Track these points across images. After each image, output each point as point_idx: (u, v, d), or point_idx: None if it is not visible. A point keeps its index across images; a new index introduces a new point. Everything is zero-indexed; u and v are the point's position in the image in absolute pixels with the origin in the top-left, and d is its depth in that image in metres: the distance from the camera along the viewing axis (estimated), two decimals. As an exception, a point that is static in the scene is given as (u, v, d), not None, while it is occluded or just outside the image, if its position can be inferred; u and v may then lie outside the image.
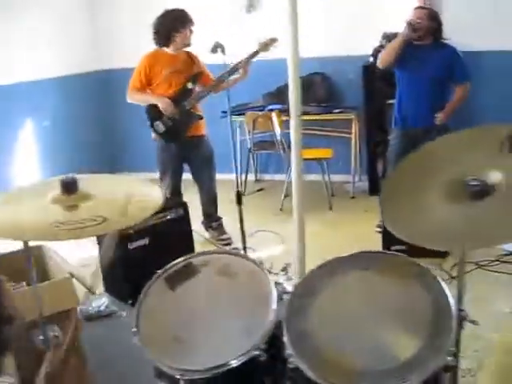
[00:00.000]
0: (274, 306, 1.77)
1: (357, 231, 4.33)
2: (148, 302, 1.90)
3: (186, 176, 4.37)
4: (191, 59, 4.13)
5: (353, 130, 5.36)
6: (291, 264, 2.36)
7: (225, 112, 4.69)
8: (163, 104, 4.00)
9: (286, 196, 4.85)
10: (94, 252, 3.59)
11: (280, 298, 1.84)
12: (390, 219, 1.72)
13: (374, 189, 5.20)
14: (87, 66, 5.94)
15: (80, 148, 5.82)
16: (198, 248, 3.72)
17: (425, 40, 3.86)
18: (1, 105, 4.93)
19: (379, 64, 4.00)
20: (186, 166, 4.31)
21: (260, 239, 3.96)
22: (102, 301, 3.29)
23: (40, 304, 1.89)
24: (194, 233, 3.72)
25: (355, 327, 1.69)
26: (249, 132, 5.47)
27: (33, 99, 5.27)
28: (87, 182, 1.82)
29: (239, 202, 3.22)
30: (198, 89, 4.11)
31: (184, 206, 3.63)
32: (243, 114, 5.41)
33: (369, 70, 4.99)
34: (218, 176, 4.42)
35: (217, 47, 3.29)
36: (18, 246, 1.96)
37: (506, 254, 3.65)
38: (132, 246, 3.33)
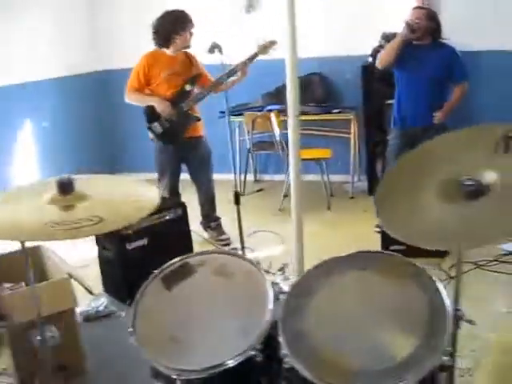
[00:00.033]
0: (271, 306, 1.77)
1: (356, 231, 4.33)
2: (144, 302, 1.90)
3: (184, 176, 4.36)
4: (190, 60, 4.11)
5: (352, 130, 5.35)
6: (289, 264, 2.36)
7: (223, 112, 4.71)
8: (161, 105, 3.98)
9: (285, 196, 4.85)
10: (92, 252, 3.60)
11: (276, 298, 1.84)
12: (385, 219, 1.73)
13: (373, 189, 5.19)
14: (87, 67, 5.93)
15: (79, 148, 5.82)
16: (196, 248, 3.73)
17: (423, 40, 3.86)
18: (0, 105, 4.92)
19: (378, 64, 4.00)
20: (183, 167, 4.30)
21: (259, 239, 3.95)
22: (100, 301, 3.30)
23: (38, 304, 1.89)
24: (192, 233, 3.72)
25: (352, 327, 1.69)
26: (248, 132, 5.47)
27: (32, 99, 5.26)
28: (84, 182, 1.83)
29: (237, 202, 3.22)
30: (196, 90, 4.09)
31: (182, 206, 3.63)
32: (242, 114, 5.41)
33: (368, 70, 4.98)
34: (217, 176, 4.42)
35: (214, 47, 3.29)
36: (16, 246, 1.96)
37: (504, 254, 3.66)
38: (131, 246, 3.34)
